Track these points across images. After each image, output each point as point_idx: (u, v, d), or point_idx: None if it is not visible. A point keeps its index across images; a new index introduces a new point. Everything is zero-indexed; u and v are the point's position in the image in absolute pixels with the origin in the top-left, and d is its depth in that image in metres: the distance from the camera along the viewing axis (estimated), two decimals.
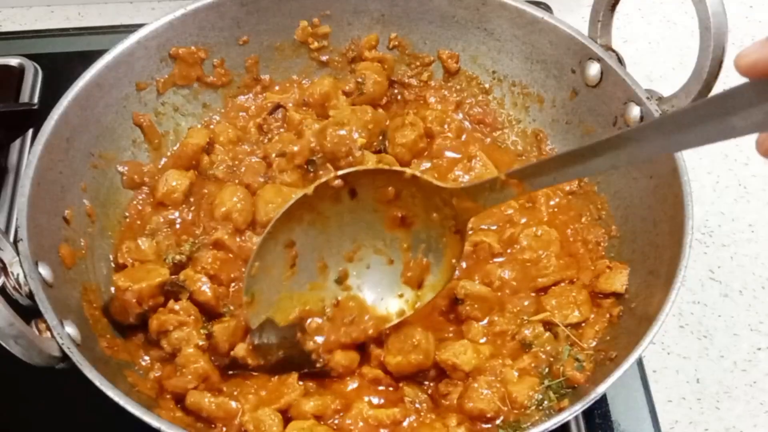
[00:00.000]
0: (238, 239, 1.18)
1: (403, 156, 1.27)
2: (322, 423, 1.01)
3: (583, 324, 1.11)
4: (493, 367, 1.06)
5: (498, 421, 1.02)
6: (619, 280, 1.12)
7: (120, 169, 1.22)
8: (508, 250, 1.19)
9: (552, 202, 1.25)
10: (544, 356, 1.08)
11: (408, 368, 1.06)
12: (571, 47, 1.22)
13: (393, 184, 1.04)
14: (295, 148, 1.24)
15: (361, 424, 1.01)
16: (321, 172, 1.24)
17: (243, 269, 1.16)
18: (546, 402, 1.03)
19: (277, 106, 1.32)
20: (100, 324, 1.07)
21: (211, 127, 1.31)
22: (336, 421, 1.03)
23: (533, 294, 1.15)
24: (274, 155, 1.25)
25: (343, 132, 1.22)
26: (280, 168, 1.23)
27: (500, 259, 1.18)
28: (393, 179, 1.04)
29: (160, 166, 1.26)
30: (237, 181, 1.24)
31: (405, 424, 1.03)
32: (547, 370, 1.07)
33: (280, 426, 1.00)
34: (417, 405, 1.04)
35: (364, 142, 1.23)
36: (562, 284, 1.15)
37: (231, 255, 1.17)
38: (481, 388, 1.03)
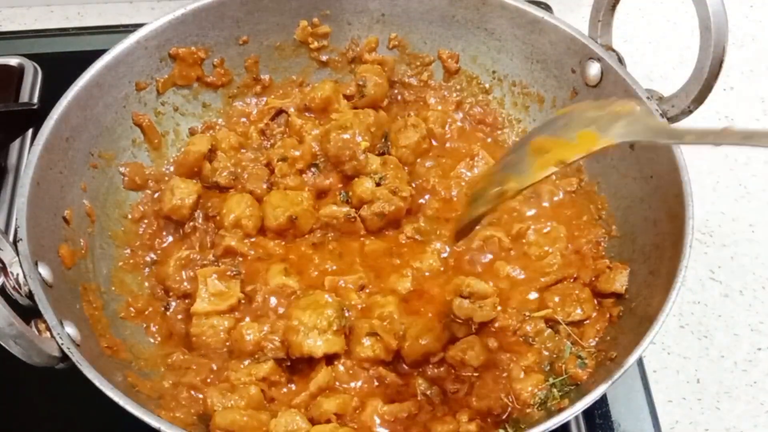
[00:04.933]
0: (247, 242, 1.19)
1: (407, 157, 1.27)
2: (342, 425, 1.02)
3: (586, 322, 1.11)
4: (501, 362, 1.07)
5: (504, 417, 1.03)
6: (618, 280, 1.12)
7: (121, 170, 1.22)
8: (513, 251, 1.19)
9: (555, 198, 1.25)
10: (546, 353, 1.09)
11: (419, 350, 1.07)
12: (571, 47, 1.22)
13: None
14: (297, 153, 1.24)
15: (377, 420, 1.02)
16: (323, 176, 1.24)
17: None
18: (549, 400, 1.03)
19: (279, 112, 1.32)
20: (100, 324, 1.07)
21: (212, 133, 1.30)
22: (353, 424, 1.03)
23: (536, 291, 1.15)
24: (276, 160, 1.25)
25: (346, 136, 1.22)
26: (282, 173, 1.24)
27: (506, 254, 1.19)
28: None
29: (163, 170, 1.26)
30: (240, 187, 1.24)
31: (417, 419, 1.03)
32: (549, 367, 1.07)
33: (308, 425, 1.01)
34: (429, 394, 1.04)
35: (368, 145, 1.23)
36: (565, 282, 1.15)
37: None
38: (487, 385, 1.03)
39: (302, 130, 1.27)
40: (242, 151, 1.29)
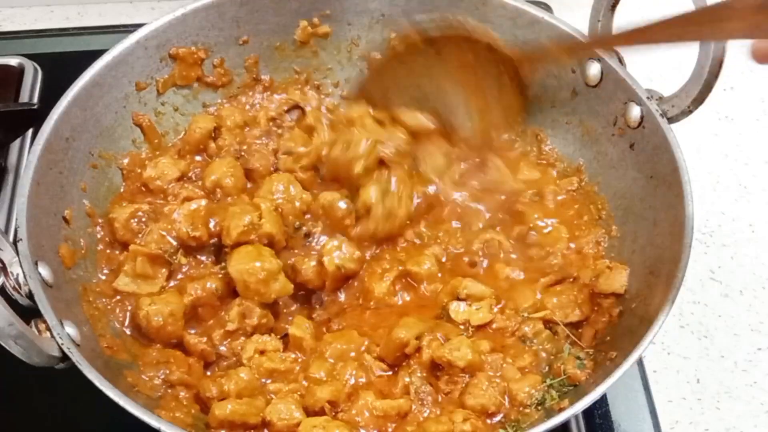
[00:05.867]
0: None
1: (428, 179, 1.24)
2: (334, 418, 1.01)
3: (584, 323, 1.11)
4: (494, 362, 1.06)
5: (500, 417, 1.02)
6: (618, 280, 1.11)
7: (122, 161, 1.21)
8: (513, 254, 1.19)
9: (559, 198, 1.25)
10: (544, 354, 1.08)
11: (392, 345, 1.07)
12: None
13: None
14: (300, 149, 1.23)
15: (367, 414, 1.02)
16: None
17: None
18: (547, 401, 1.03)
19: (296, 106, 1.31)
20: (100, 324, 1.07)
21: (215, 110, 1.30)
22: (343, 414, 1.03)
23: (535, 291, 1.15)
24: (281, 152, 1.24)
25: (348, 152, 1.20)
26: (285, 166, 1.23)
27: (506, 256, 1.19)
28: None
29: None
30: (240, 161, 1.23)
31: (411, 418, 1.03)
32: (547, 368, 1.07)
33: (303, 414, 1.01)
34: (422, 394, 1.04)
35: (361, 171, 1.19)
36: (564, 282, 1.15)
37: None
38: (481, 384, 1.03)
39: (314, 130, 1.25)
40: (247, 129, 1.28)
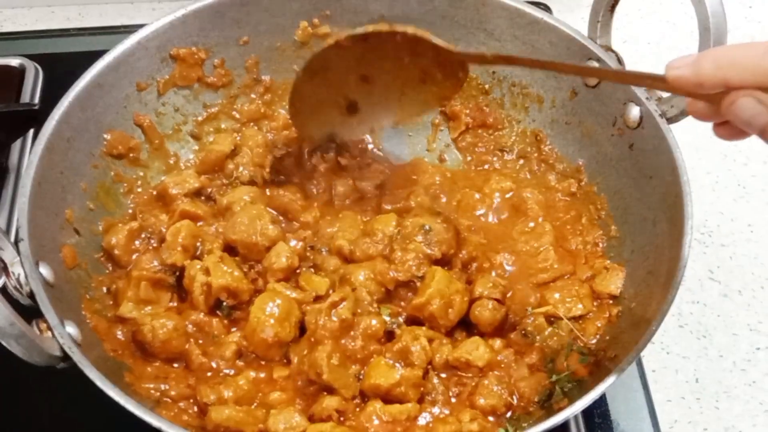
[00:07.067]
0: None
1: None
2: (340, 425, 1.01)
3: (589, 315, 1.12)
4: (505, 361, 1.07)
5: (508, 416, 1.03)
6: (614, 282, 1.12)
7: (105, 136, 1.20)
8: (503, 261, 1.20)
9: (558, 196, 1.25)
10: (548, 351, 1.09)
11: (403, 350, 1.06)
12: (570, 47, 1.22)
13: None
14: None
15: (376, 421, 1.01)
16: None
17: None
18: (554, 398, 1.03)
19: (332, 142, 1.29)
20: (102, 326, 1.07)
21: (236, 136, 1.29)
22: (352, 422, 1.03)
23: (535, 287, 1.16)
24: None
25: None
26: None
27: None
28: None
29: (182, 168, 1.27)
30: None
31: (422, 421, 1.03)
32: (551, 364, 1.08)
33: (306, 422, 1.00)
34: (431, 396, 1.04)
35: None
36: (564, 278, 1.16)
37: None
38: (491, 385, 1.03)
39: None
40: (268, 151, 1.27)
